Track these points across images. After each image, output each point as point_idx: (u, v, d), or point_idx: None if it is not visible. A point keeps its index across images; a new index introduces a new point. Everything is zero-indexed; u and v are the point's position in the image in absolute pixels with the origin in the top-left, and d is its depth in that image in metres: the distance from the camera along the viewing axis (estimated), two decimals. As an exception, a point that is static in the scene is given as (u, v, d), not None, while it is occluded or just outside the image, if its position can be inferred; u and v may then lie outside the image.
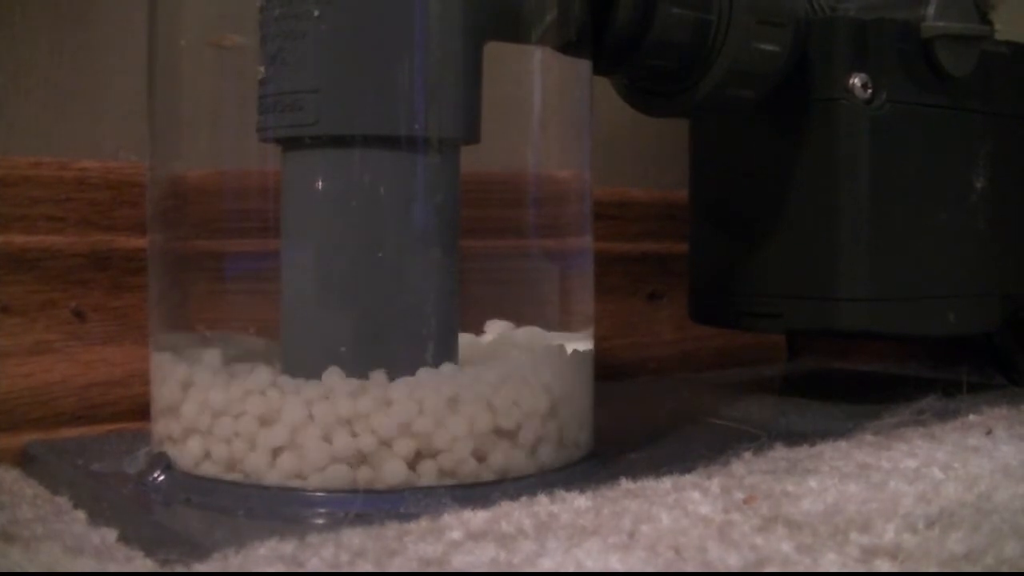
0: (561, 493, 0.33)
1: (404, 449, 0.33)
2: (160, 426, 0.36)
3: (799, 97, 0.47)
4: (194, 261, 0.39)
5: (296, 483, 0.33)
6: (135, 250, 0.45)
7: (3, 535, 0.31)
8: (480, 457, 0.34)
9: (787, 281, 0.49)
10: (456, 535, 0.29)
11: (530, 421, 0.35)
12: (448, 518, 0.30)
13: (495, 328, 0.41)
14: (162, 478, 0.35)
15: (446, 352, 0.35)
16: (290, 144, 0.35)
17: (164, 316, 0.38)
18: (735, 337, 0.65)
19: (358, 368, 0.33)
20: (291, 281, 0.35)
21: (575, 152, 0.41)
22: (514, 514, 0.31)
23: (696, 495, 0.33)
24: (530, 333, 0.41)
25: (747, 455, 0.38)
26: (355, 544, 0.28)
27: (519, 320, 0.41)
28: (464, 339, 0.37)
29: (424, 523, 0.30)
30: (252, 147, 0.36)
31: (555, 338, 0.39)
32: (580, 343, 0.39)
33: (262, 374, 0.34)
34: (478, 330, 0.41)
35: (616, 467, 0.37)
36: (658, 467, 0.36)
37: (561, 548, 0.27)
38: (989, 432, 0.43)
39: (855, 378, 0.64)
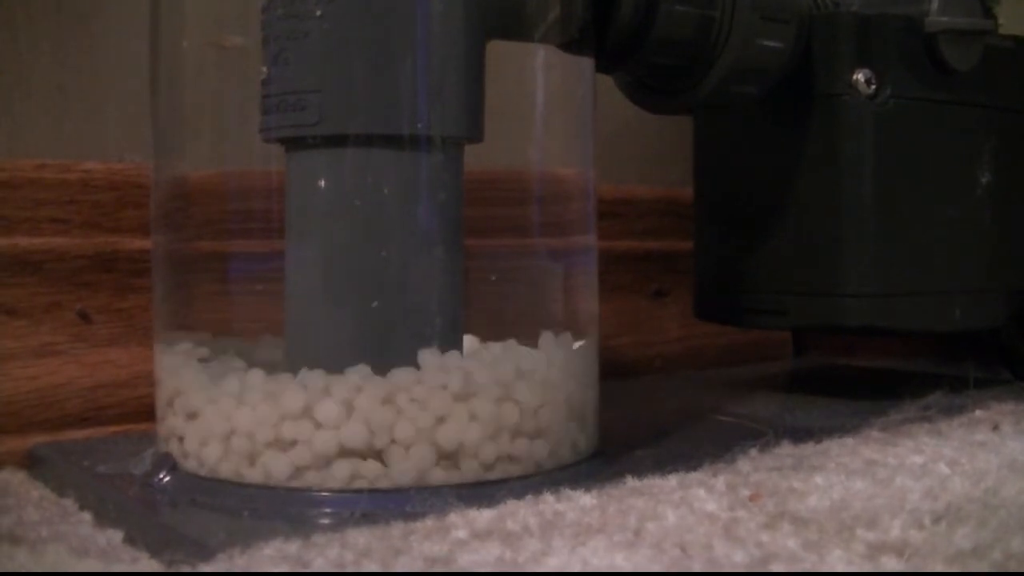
0: (567, 491, 0.33)
1: (409, 447, 0.33)
2: (165, 427, 0.36)
3: (803, 93, 0.47)
4: (198, 262, 0.39)
5: (301, 483, 0.33)
6: (140, 251, 0.45)
7: (9, 537, 0.31)
8: (486, 455, 0.34)
9: (792, 278, 0.49)
10: (462, 534, 0.29)
11: (536, 419, 0.35)
12: (454, 517, 0.30)
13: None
14: (168, 479, 0.35)
15: (451, 350, 0.35)
16: (293, 144, 0.35)
17: (169, 317, 0.38)
18: (741, 334, 0.65)
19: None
20: (295, 281, 0.35)
21: (578, 150, 0.41)
22: (519, 513, 0.31)
23: (702, 492, 0.33)
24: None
25: (753, 452, 0.38)
26: (360, 544, 0.28)
27: (522, 319, 0.41)
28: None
29: (430, 522, 0.30)
30: (255, 147, 0.36)
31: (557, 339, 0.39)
32: (585, 340, 0.39)
33: (266, 374, 0.34)
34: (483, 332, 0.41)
35: (622, 465, 0.37)
36: (664, 465, 0.36)
37: (567, 546, 0.27)
38: (996, 427, 0.43)
39: (861, 374, 0.64)
